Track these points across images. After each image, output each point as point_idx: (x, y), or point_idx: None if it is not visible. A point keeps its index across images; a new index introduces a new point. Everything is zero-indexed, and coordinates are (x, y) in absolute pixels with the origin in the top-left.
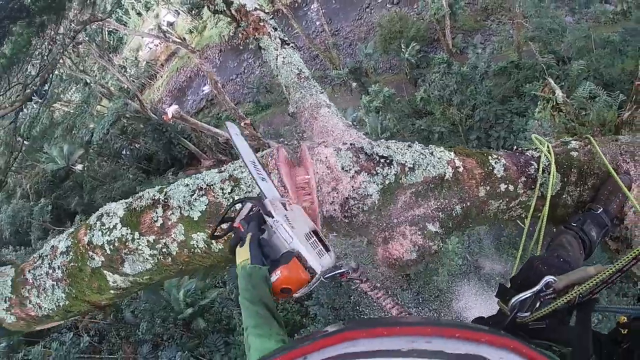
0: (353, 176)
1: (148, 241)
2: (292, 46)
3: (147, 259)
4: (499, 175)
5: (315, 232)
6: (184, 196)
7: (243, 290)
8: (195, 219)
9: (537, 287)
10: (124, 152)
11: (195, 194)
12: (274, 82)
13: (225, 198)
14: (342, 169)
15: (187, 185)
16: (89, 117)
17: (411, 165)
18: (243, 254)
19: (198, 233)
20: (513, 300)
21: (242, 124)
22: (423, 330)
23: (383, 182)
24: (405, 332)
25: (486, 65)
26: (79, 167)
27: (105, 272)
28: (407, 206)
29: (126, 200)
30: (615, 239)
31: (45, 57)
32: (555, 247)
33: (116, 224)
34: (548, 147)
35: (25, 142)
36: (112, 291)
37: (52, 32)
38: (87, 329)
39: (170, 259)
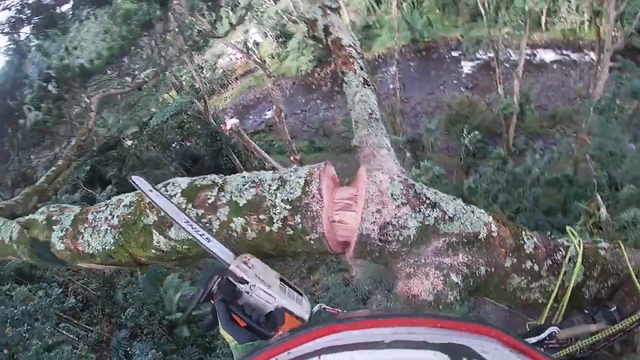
0: (398, 205)
1: (197, 213)
2: (371, 88)
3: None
4: (527, 252)
5: (282, 279)
6: (238, 184)
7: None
8: (240, 205)
9: (542, 336)
10: (174, 144)
11: (247, 185)
12: (333, 129)
13: (269, 193)
14: (391, 195)
15: (244, 177)
16: (154, 102)
17: (451, 215)
18: (227, 335)
19: (238, 218)
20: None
21: (292, 159)
22: (405, 321)
23: (422, 221)
24: (387, 324)
25: (540, 172)
26: (128, 142)
27: (153, 230)
28: (437, 252)
29: (191, 178)
30: (622, 341)
31: (156, 55)
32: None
33: (177, 193)
34: (579, 240)
35: None
36: (153, 250)
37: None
38: (76, 293)
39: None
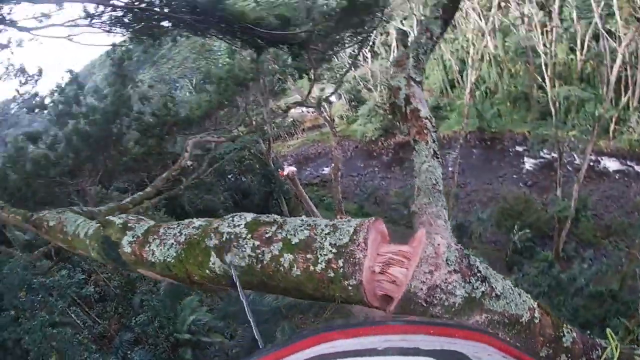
0: (450, 271)
1: (253, 244)
2: (439, 161)
3: (243, 257)
4: (564, 345)
5: None
6: (295, 225)
7: None
8: (292, 243)
9: None
10: (230, 176)
11: (303, 227)
12: (385, 198)
13: (320, 236)
14: (446, 260)
15: (302, 220)
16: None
17: (498, 293)
18: None
19: (288, 254)
20: None
21: (338, 217)
22: (398, 328)
23: (470, 292)
24: (380, 331)
25: (585, 283)
26: (188, 162)
27: (212, 252)
28: (478, 324)
29: (257, 214)
30: None
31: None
32: None
33: (241, 224)
34: (617, 344)
35: None
36: (207, 271)
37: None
38: (97, 284)
39: (259, 265)
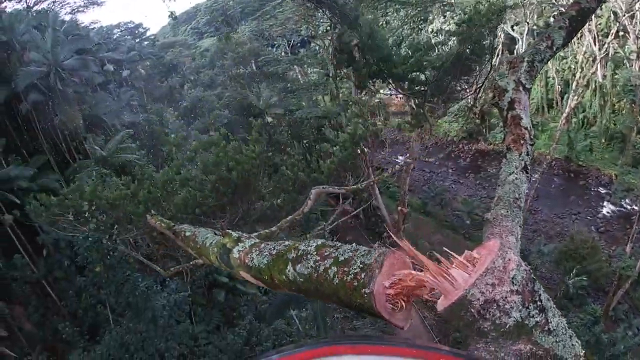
0: (512, 291)
1: (315, 259)
2: (527, 177)
3: (307, 267)
4: None
5: None
6: (345, 249)
7: None
8: (339, 260)
9: None
10: (305, 141)
11: (349, 250)
12: (451, 203)
13: (357, 256)
14: (512, 278)
15: (352, 246)
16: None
17: (551, 329)
18: None
19: (334, 267)
20: None
21: (399, 208)
22: (408, 351)
23: (524, 318)
24: (389, 352)
25: (623, 351)
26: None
27: (289, 262)
28: (519, 354)
29: (324, 240)
30: None
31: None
32: None
33: (312, 245)
34: None
35: None
36: (284, 276)
37: None
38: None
39: (316, 274)
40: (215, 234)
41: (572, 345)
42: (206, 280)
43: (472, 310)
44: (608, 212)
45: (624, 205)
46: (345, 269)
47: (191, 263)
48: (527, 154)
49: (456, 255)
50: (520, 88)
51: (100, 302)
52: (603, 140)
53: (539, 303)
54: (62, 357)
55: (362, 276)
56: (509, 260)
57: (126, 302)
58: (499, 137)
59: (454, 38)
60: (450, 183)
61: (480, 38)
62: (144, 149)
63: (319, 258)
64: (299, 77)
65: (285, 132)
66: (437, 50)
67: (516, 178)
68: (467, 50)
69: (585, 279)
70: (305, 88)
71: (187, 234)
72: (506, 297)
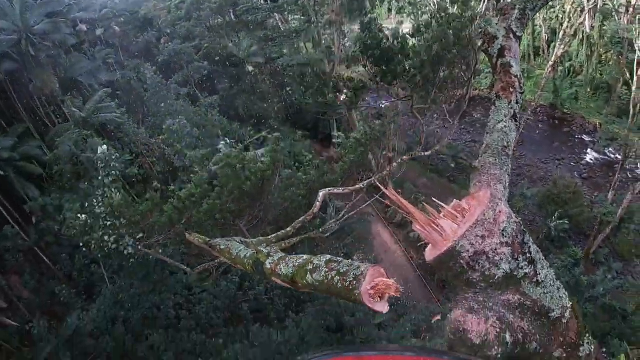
0: (502, 243)
1: (325, 271)
2: (516, 125)
3: (320, 275)
4: (579, 354)
5: None
6: (345, 263)
7: None
8: (340, 271)
9: None
10: (288, 89)
11: (347, 265)
12: (435, 146)
13: (351, 270)
14: (502, 230)
15: (350, 262)
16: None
17: (539, 280)
18: None
19: (337, 277)
20: None
21: (384, 153)
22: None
23: (513, 270)
24: None
25: (602, 293)
26: (250, 68)
27: (307, 272)
28: (507, 305)
29: (332, 257)
30: None
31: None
32: None
33: (322, 260)
34: None
35: None
36: (305, 281)
37: None
38: (142, 167)
39: (326, 281)
40: (242, 242)
41: (560, 297)
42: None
43: (461, 261)
44: (591, 160)
45: (608, 153)
46: (344, 278)
47: (215, 262)
48: (517, 102)
49: (445, 206)
50: (511, 35)
51: (94, 262)
52: (589, 90)
53: (528, 255)
54: (62, 320)
55: (355, 283)
56: (500, 212)
57: (119, 263)
58: (484, 83)
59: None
60: (435, 127)
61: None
62: (124, 107)
63: (327, 270)
64: (280, 24)
65: (268, 80)
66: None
67: (505, 126)
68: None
69: (567, 222)
70: (287, 36)
71: (222, 247)
72: (496, 249)
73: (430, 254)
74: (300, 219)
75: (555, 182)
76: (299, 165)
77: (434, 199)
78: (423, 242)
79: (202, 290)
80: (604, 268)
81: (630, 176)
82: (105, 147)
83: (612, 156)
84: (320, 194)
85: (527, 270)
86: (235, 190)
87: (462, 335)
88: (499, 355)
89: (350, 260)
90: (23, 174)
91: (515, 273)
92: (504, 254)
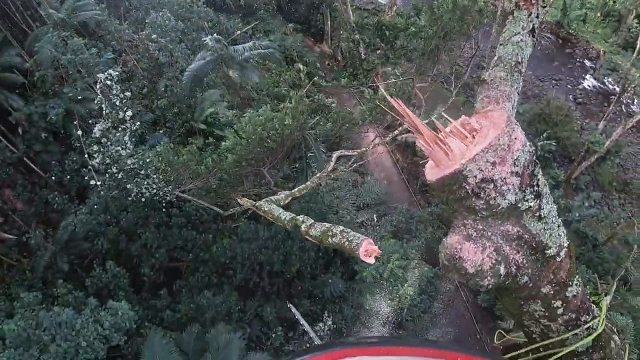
0: (512, 172)
1: (340, 237)
2: (534, 41)
3: (337, 240)
4: (566, 294)
5: None
6: (344, 230)
7: None
8: (349, 239)
9: None
10: None
11: (349, 232)
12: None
13: (350, 236)
14: (515, 160)
15: (346, 230)
16: None
17: (542, 216)
18: None
19: (347, 243)
20: None
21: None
22: (425, 352)
23: (518, 202)
24: (406, 353)
25: (577, 219)
26: None
27: (329, 236)
28: (506, 236)
29: (345, 229)
30: None
31: None
32: None
33: (339, 229)
34: (603, 320)
35: None
36: (327, 241)
37: None
38: (125, 65)
39: (340, 243)
40: (271, 201)
41: (559, 235)
42: (184, 128)
43: (467, 187)
44: (589, 86)
45: (606, 83)
46: (350, 243)
47: (241, 202)
48: (537, 17)
49: (455, 122)
50: None
51: (84, 166)
52: (599, 15)
53: (536, 188)
54: (57, 228)
55: (356, 247)
56: (516, 139)
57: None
58: None
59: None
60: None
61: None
62: (104, 2)
63: (341, 237)
64: None
65: None
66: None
67: (522, 40)
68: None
69: (554, 144)
70: None
71: (266, 209)
72: (505, 179)
73: (432, 174)
74: (317, 175)
75: (549, 102)
76: (291, 61)
77: (443, 114)
78: (417, 154)
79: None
80: (583, 195)
81: (624, 110)
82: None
83: (611, 87)
84: (334, 155)
85: (532, 204)
86: (259, 146)
87: (457, 263)
88: (490, 286)
89: (355, 233)
90: (5, 85)
91: (520, 205)
92: (513, 185)
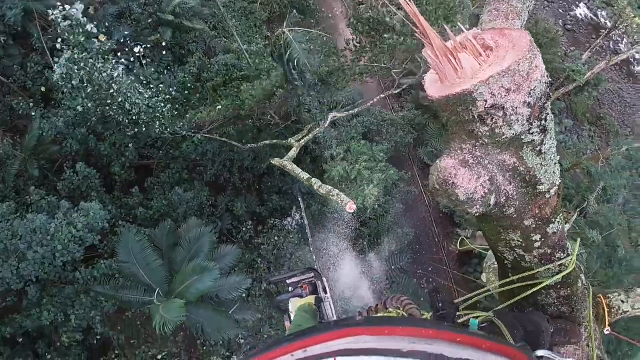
0: (525, 102)
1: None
2: None
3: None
4: (547, 230)
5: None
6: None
7: (303, 311)
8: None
9: None
10: None
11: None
12: None
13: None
14: (531, 90)
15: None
16: None
17: (542, 151)
18: (304, 301)
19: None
20: (539, 352)
21: None
22: (425, 332)
23: (522, 134)
24: (406, 333)
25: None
26: None
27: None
28: (502, 166)
29: None
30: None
31: None
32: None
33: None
34: (574, 259)
35: None
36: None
37: None
38: None
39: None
40: (291, 157)
41: (554, 172)
42: (151, 20)
43: (473, 110)
44: (581, 15)
45: (599, 16)
46: (342, 202)
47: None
48: None
49: (470, 36)
50: None
51: (47, 67)
52: None
53: (543, 122)
54: (24, 133)
55: (345, 204)
56: (536, 67)
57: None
58: None
59: None
60: None
61: None
62: None
63: (337, 197)
64: None
65: None
66: None
67: None
68: None
69: None
70: None
71: (289, 167)
72: (516, 108)
73: (434, 89)
74: (315, 131)
75: (537, 22)
76: None
77: (459, 24)
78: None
79: (160, 82)
80: (555, 120)
81: (611, 47)
82: None
83: (603, 21)
84: (330, 115)
85: (535, 138)
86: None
87: (449, 188)
88: (477, 214)
89: (345, 196)
90: None
91: (523, 137)
92: (522, 116)
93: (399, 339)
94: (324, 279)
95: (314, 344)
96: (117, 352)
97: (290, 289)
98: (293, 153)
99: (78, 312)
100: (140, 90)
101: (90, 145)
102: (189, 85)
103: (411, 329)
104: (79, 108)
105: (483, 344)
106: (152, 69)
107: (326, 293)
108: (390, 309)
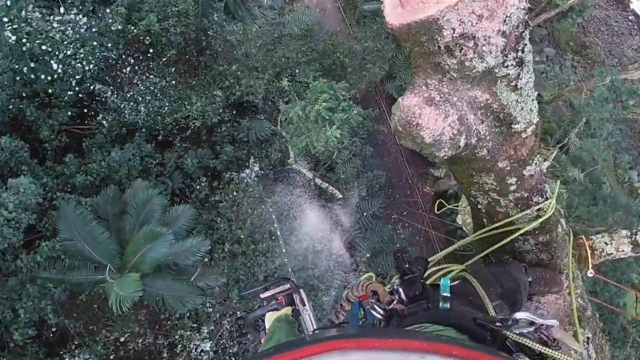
0: (499, 31)
1: None
2: None
3: None
4: (523, 173)
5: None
6: None
7: (277, 320)
8: None
9: (545, 323)
10: None
11: None
12: None
13: None
14: (506, 16)
15: None
16: None
17: (518, 87)
18: (279, 313)
19: None
20: (517, 315)
21: None
22: (418, 344)
23: (495, 67)
24: (398, 346)
25: None
26: None
27: None
28: (472, 103)
29: None
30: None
31: None
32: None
33: None
34: (553, 203)
35: None
36: None
37: None
38: None
39: None
40: None
41: (530, 110)
42: None
43: (439, 40)
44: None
45: None
46: None
47: None
48: None
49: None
50: None
51: None
52: None
53: (519, 54)
54: None
55: None
56: None
57: None
58: None
59: None
60: None
61: None
62: None
63: None
64: None
65: None
66: None
67: None
68: None
69: None
70: None
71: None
72: (489, 37)
73: (394, 15)
74: None
75: None
76: None
77: None
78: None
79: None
80: (535, 48)
81: None
82: None
83: None
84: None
85: (510, 71)
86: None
87: (413, 130)
88: (445, 157)
89: None
90: None
91: (497, 70)
92: (496, 46)
93: (390, 353)
94: (302, 291)
95: (300, 358)
96: (76, 342)
97: (264, 302)
98: None
99: (26, 305)
100: (61, 38)
101: (14, 110)
102: (118, 27)
103: (403, 342)
104: None
105: (482, 357)
106: (73, 12)
107: (304, 305)
108: (352, 300)
